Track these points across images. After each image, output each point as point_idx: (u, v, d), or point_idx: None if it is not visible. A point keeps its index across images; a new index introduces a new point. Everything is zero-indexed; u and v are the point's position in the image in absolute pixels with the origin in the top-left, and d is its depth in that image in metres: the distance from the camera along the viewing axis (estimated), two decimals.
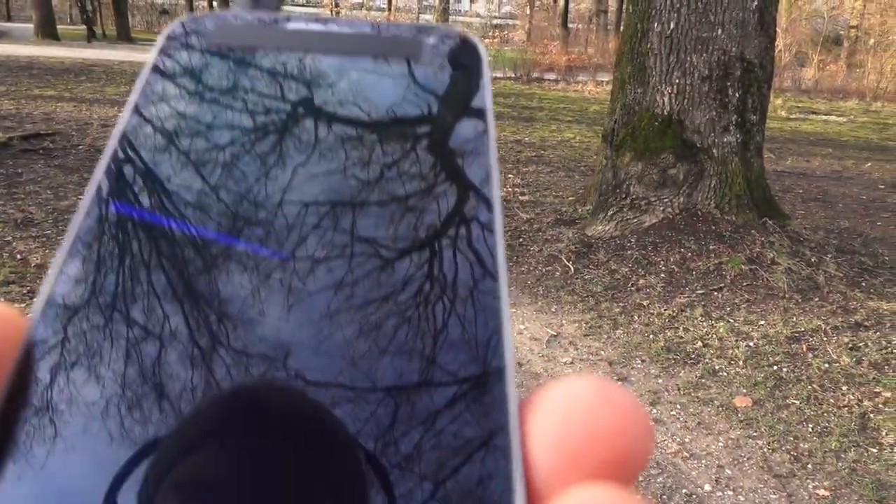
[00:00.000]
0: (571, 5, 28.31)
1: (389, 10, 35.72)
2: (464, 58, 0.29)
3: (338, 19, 0.30)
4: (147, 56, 0.29)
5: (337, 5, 27.18)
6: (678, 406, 2.78)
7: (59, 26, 24.56)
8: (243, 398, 0.22)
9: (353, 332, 0.23)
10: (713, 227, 4.31)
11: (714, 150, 4.49)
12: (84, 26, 26.99)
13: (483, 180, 0.26)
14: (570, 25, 26.16)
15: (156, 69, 0.29)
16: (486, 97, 0.28)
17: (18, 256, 3.74)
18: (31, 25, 23.97)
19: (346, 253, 0.25)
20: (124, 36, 26.24)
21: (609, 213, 4.59)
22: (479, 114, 0.28)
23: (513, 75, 17.69)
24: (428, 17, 34.00)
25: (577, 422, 0.19)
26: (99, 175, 0.26)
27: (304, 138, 0.27)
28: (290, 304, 0.24)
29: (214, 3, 33.61)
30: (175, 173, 0.26)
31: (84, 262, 0.24)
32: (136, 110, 0.27)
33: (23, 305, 3.15)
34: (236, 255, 0.24)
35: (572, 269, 4.08)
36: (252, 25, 0.30)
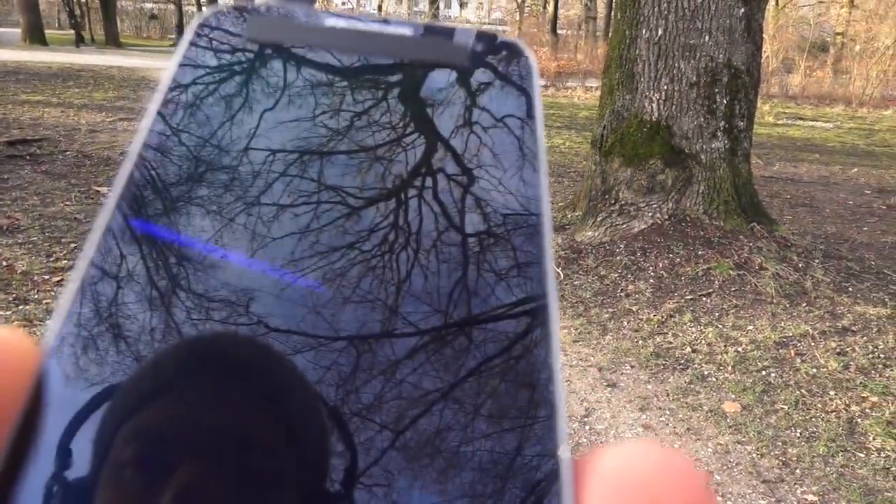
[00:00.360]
0: (560, 11, 28.46)
1: (379, 13, 35.64)
2: (513, 67, 0.28)
3: (379, 16, 0.28)
4: (175, 52, 0.27)
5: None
6: (667, 412, 2.79)
7: (46, 31, 24.43)
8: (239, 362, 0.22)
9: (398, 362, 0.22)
10: (701, 233, 4.33)
11: (702, 156, 4.51)
12: (72, 31, 26.88)
13: (532, 193, 0.25)
14: (559, 31, 26.28)
15: (184, 65, 0.27)
16: (536, 110, 0.27)
17: (4, 263, 3.71)
18: (18, 30, 23.84)
19: (389, 260, 0.24)
20: (113, 41, 26.14)
21: (598, 219, 4.60)
22: (530, 126, 0.27)
23: None
24: None
25: (635, 492, 0.18)
26: (118, 188, 0.24)
27: (342, 143, 0.26)
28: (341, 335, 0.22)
29: (203, 9, 33.48)
30: (203, 186, 0.24)
31: (101, 284, 0.22)
32: (161, 113, 0.26)
33: (8, 313, 3.12)
34: (273, 280, 0.23)
35: (561, 274, 4.09)
36: (286, 20, 0.28)
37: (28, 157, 6.26)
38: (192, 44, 0.27)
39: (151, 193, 0.24)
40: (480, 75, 0.27)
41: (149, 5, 37.28)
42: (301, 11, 0.28)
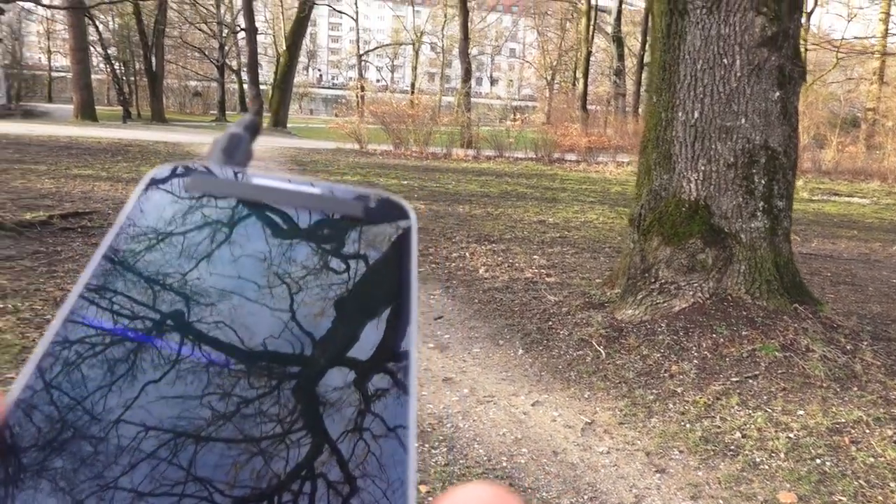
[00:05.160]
0: (589, 88, 29.10)
1: (413, 91, 36.93)
2: (397, 221, 0.34)
3: (297, 178, 0.35)
4: (132, 193, 0.34)
5: (362, 88, 28.13)
6: (720, 501, 2.71)
7: (97, 107, 25.62)
8: None
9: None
10: (744, 313, 4.29)
11: (742, 236, 4.52)
12: (120, 107, 28.14)
13: (399, 322, 0.31)
14: (588, 107, 26.80)
15: (136, 207, 0.33)
16: (412, 257, 0.33)
17: None
18: (71, 106, 25.05)
19: (276, 382, 0.29)
20: (158, 117, 27.27)
21: (638, 297, 4.59)
22: (405, 272, 0.33)
23: (534, 156, 18.05)
24: (450, 100, 35.00)
25: None
26: (77, 292, 0.30)
27: (253, 279, 0.32)
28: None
29: (245, 86, 35.10)
30: (141, 301, 0.30)
31: (58, 363, 0.28)
32: (114, 244, 0.32)
33: None
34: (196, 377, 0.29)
35: (603, 353, 4.06)
36: (222, 178, 0.35)
37: (79, 230, 6.50)
38: (146, 191, 0.34)
39: (104, 302, 0.31)
40: (368, 228, 0.34)
41: (193, 83, 39.00)
42: (236, 172, 0.35)
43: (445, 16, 42.62)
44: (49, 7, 25.49)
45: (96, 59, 32.21)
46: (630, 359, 3.99)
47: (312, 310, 0.31)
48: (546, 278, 5.90)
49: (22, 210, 6.97)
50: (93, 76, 26.92)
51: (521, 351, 4.22)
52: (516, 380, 3.81)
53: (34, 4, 27.02)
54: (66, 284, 4.76)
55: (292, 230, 0.33)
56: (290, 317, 0.31)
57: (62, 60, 40.36)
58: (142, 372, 0.28)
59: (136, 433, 0.27)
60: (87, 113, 23.54)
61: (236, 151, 0.41)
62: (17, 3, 26.70)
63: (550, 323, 4.66)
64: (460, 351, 4.22)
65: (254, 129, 0.43)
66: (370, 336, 0.31)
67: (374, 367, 0.30)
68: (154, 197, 0.34)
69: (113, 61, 31.79)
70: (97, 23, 29.00)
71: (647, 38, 25.57)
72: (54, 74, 41.58)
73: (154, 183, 0.34)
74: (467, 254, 6.76)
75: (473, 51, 37.43)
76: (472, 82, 30.53)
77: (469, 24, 28.04)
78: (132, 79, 33.25)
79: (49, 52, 40.80)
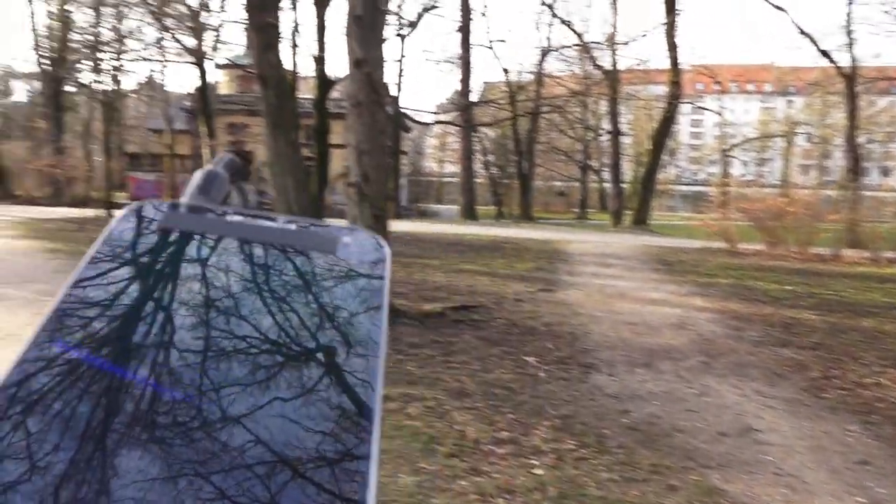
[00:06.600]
0: None
1: (784, 185, 34.00)
2: (371, 254, 0.36)
3: (269, 214, 0.37)
4: (106, 226, 0.36)
5: (728, 185, 26.85)
6: None
7: (476, 207, 28.91)
8: None
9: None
10: None
11: None
12: (494, 207, 31.37)
13: (369, 355, 0.31)
14: None
15: (108, 240, 0.34)
16: (384, 289, 0.35)
17: (457, 427, 4.04)
18: (455, 207, 28.75)
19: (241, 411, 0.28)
20: (526, 215, 29.61)
21: None
22: (376, 303, 0.34)
23: None
24: (830, 194, 31.35)
25: None
26: (46, 316, 0.30)
27: (222, 307, 0.32)
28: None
29: (605, 185, 36.26)
30: (110, 326, 0.31)
31: (22, 388, 0.28)
32: (83, 273, 0.33)
33: (464, 483, 3.31)
34: (149, 398, 0.28)
35: None
36: (197, 214, 0.37)
37: (468, 323, 7.08)
38: (120, 222, 0.35)
39: (73, 324, 0.31)
40: (342, 262, 0.35)
41: (557, 183, 41.78)
42: (212, 208, 0.38)
43: (825, 104, 38.82)
44: (451, 125, 30.01)
45: (477, 165, 36.69)
46: None
47: (282, 340, 0.31)
48: None
49: (421, 301, 7.89)
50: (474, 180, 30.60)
51: None
52: None
53: (435, 123, 32.05)
54: (461, 376, 5.12)
55: (265, 265, 0.34)
56: (258, 348, 0.31)
57: (449, 167, 46.92)
58: (101, 399, 0.28)
59: (92, 461, 0.26)
60: (469, 213, 26.71)
61: (212, 189, 0.42)
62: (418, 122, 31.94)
63: None
64: None
65: (232, 169, 0.44)
66: (339, 364, 0.31)
67: (342, 387, 0.30)
68: (127, 231, 0.35)
69: (490, 167, 35.80)
70: (479, 134, 33.12)
71: None
72: (443, 179, 48.40)
73: (128, 217, 0.35)
74: (884, 381, 5.59)
75: (861, 139, 33.15)
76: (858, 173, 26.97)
77: (856, 110, 25.03)
78: (505, 181, 36.96)
79: (441, 161, 47.87)
